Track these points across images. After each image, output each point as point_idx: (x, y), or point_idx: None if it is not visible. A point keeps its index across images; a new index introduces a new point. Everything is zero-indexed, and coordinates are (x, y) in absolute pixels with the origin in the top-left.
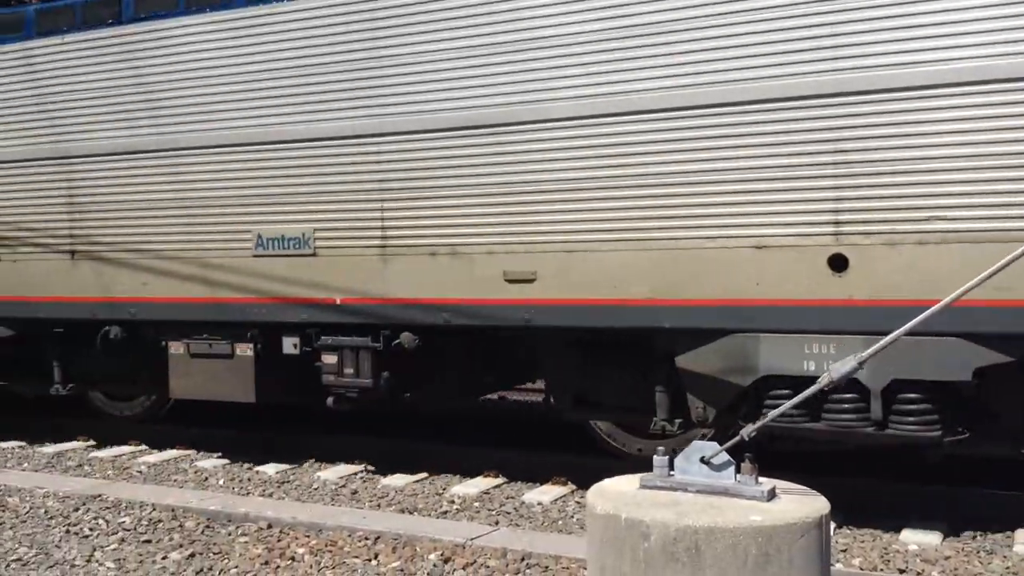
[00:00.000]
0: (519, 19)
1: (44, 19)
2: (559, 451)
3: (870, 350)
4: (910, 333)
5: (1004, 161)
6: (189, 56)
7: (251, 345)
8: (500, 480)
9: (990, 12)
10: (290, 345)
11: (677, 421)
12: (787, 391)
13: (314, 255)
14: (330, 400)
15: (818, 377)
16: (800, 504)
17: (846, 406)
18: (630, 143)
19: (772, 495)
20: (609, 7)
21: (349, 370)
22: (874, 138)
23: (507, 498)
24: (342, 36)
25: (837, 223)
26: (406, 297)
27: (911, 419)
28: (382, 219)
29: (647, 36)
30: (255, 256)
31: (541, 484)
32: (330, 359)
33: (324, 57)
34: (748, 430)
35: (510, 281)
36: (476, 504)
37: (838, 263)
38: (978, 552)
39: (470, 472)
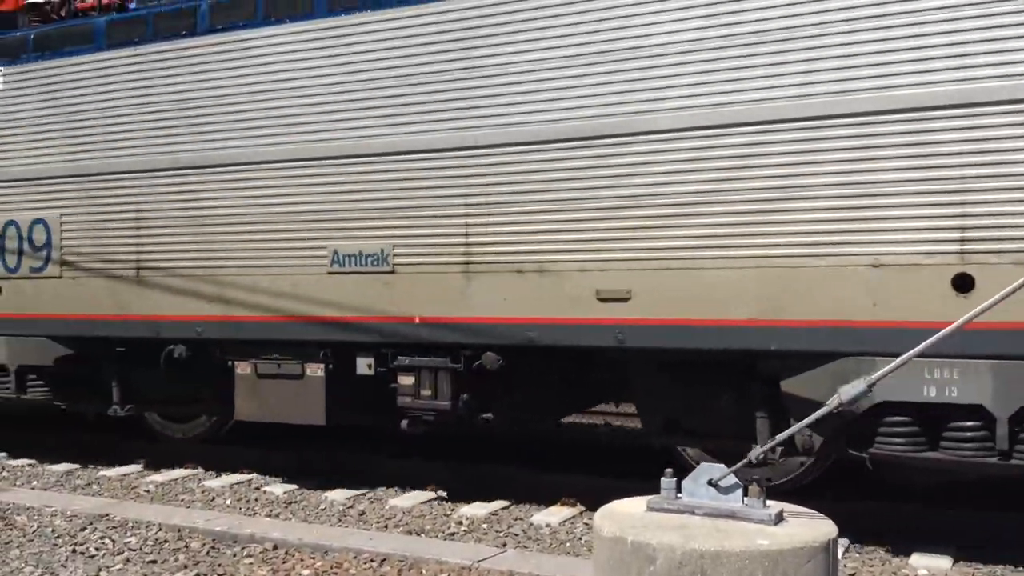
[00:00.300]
0: (620, 27)
1: (115, 30)
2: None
3: (879, 372)
4: None
5: None
6: (265, 68)
7: (322, 365)
8: (507, 502)
9: None
10: (364, 365)
11: (779, 450)
12: (904, 419)
13: (392, 272)
14: (405, 423)
15: (939, 404)
16: (807, 528)
17: (968, 435)
18: (737, 156)
19: (779, 519)
20: (718, 14)
21: (427, 392)
22: (1003, 151)
23: (515, 519)
24: (431, 46)
25: (963, 240)
26: (490, 316)
27: None
28: (466, 235)
29: (756, 45)
30: (330, 273)
31: (548, 506)
32: (407, 380)
33: (409, 68)
34: (756, 452)
35: (602, 300)
36: (484, 526)
37: (963, 283)
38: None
39: (479, 495)
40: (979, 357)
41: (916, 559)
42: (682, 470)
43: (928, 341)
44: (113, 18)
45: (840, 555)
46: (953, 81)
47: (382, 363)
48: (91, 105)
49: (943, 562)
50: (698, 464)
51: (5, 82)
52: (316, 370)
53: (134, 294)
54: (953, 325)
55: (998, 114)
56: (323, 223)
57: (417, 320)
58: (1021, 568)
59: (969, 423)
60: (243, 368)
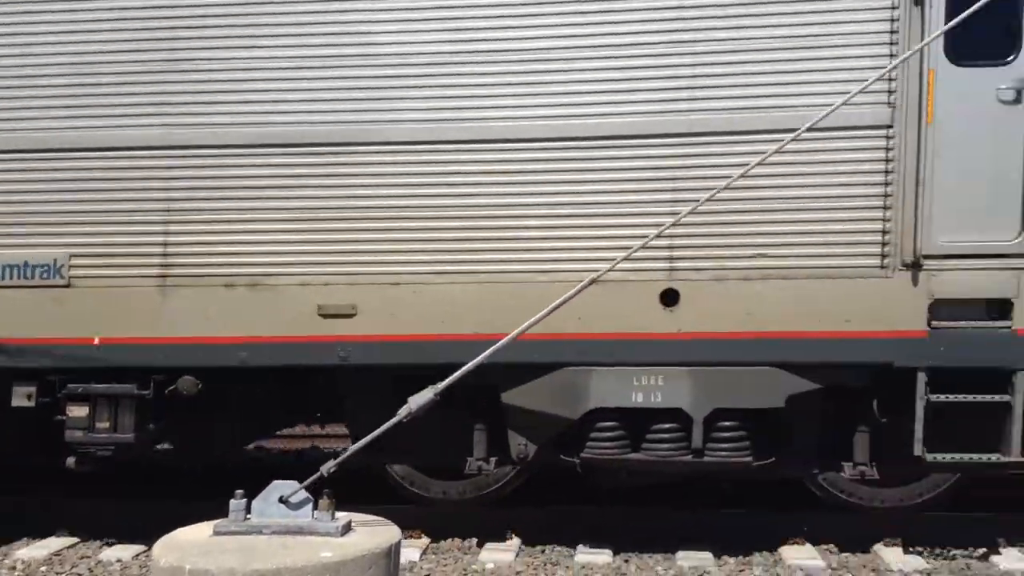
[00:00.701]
0: (344, 32)
1: None
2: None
3: (445, 382)
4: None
5: (822, 203)
6: None
7: None
8: (74, 540)
9: None
10: (23, 396)
11: (493, 460)
12: (612, 423)
13: (68, 285)
14: (71, 460)
15: (646, 408)
16: (371, 536)
17: (665, 436)
18: (461, 172)
19: (347, 529)
20: (445, 30)
21: (103, 424)
22: (704, 178)
23: (81, 558)
24: (118, 33)
25: (671, 259)
26: (191, 335)
27: (726, 446)
28: (165, 244)
29: (479, 64)
30: None
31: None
32: (78, 411)
33: (92, 53)
34: (328, 466)
35: (325, 316)
36: (43, 568)
37: (670, 298)
38: (545, 565)
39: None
40: (681, 364)
41: (485, 554)
42: (391, 489)
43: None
44: None
45: (418, 557)
46: (661, 112)
47: (48, 392)
48: None
49: (507, 555)
50: (403, 481)
51: None
52: None
53: None
54: (507, 338)
55: (704, 144)
56: None
57: (97, 342)
58: (571, 553)
59: (667, 425)
60: None
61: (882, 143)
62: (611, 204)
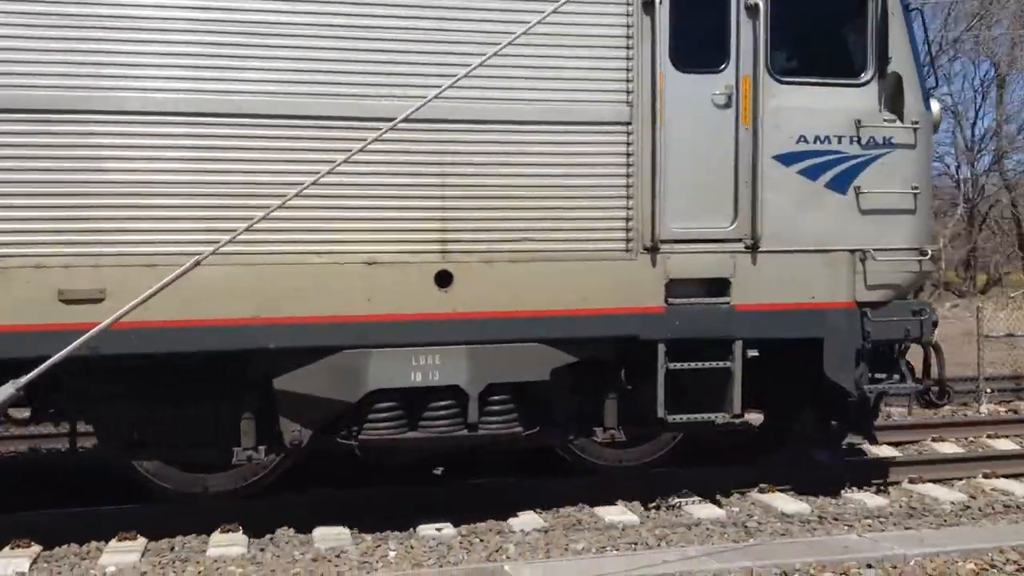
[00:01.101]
0: None
1: None
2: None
3: (28, 376)
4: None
5: (579, 192)
6: None
7: None
8: None
9: None
10: None
11: (262, 448)
12: (391, 403)
13: None
14: None
15: (425, 389)
16: None
17: (442, 412)
18: (212, 147)
19: None
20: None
21: None
22: (476, 164)
23: None
24: None
25: (444, 242)
26: None
27: (498, 419)
28: None
29: (217, 34)
30: None
31: None
32: None
33: None
34: None
35: (67, 302)
36: None
37: (444, 279)
38: (174, 563)
39: None
40: (457, 343)
41: (105, 558)
42: (135, 485)
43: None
44: None
45: (27, 568)
46: (439, 99)
47: None
48: None
49: (132, 556)
50: (157, 477)
51: None
52: None
53: None
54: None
55: (477, 131)
56: None
57: None
58: (204, 548)
59: (444, 402)
60: None
61: (623, 138)
62: (384, 187)
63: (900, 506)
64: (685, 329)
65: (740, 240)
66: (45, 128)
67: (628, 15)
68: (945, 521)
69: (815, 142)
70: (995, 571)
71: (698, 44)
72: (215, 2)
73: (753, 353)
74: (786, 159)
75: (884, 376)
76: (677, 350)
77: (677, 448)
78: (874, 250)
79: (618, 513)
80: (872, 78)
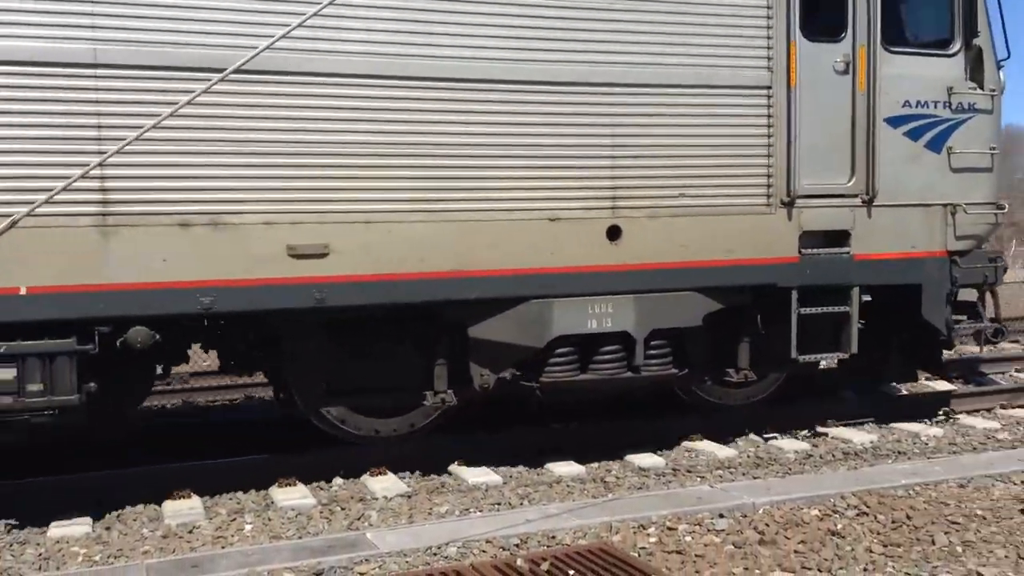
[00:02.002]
0: None
1: None
2: None
3: None
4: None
5: (729, 151)
6: None
7: None
8: None
9: None
10: None
11: (450, 392)
12: (569, 348)
13: None
14: None
15: (598, 335)
16: None
17: (610, 356)
18: (432, 111)
19: None
20: None
21: (35, 386)
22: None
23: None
24: None
25: (614, 199)
26: (140, 281)
27: (658, 362)
28: (102, 177)
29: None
30: None
31: None
32: (3, 374)
33: None
34: None
35: (296, 256)
36: None
37: (614, 233)
38: (11, 545)
39: None
40: (625, 293)
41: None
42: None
43: None
44: None
45: None
46: (608, 64)
47: None
48: None
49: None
50: (343, 423)
51: None
52: None
53: None
54: None
55: (643, 95)
56: None
57: (23, 291)
58: (44, 530)
59: (612, 346)
60: None
61: (764, 101)
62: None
63: (748, 456)
64: (815, 276)
65: (857, 195)
66: (276, 89)
67: None
68: (790, 470)
69: (917, 107)
70: (838, 516)
71: (822, 15)
72: None
73: (866, 298)
74: (894, 122)
75: (963, 317)
76: (803, 295)
77: (783, 386)
78: (964, 204)
79: (482, 475)
80: (960, 50)
